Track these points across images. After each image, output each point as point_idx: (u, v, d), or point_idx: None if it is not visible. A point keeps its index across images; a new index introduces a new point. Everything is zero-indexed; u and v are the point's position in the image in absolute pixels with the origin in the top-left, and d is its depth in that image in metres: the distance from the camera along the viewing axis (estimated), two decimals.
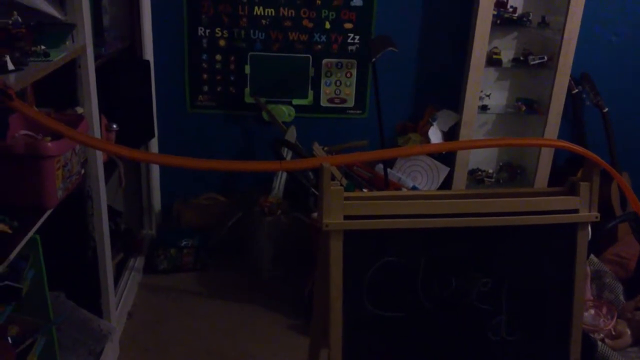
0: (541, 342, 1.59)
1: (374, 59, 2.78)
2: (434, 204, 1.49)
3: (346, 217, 1.47)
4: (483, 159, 3.37)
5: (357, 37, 3.07)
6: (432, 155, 3.19)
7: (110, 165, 2.39)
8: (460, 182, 3.20)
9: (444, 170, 3.19)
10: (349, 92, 3.18)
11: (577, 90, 3.07)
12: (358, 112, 3.22)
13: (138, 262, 2.91)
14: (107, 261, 2.19)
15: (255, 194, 3.05)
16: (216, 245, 3.12)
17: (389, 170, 3.14)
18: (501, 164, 3.37)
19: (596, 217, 1.50)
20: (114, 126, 2.28)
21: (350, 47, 3.09)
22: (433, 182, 3.24)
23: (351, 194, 1.53)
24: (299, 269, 2.92)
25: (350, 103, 3.20)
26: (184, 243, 2.98)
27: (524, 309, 1.58)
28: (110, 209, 2.44)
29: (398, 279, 1.53)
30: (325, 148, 3.01)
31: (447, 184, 3.22)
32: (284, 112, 3.09)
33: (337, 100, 3.18)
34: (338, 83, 3.15)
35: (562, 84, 2.98)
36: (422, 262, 1.52)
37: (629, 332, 2.46)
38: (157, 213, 3.26)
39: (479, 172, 3.34)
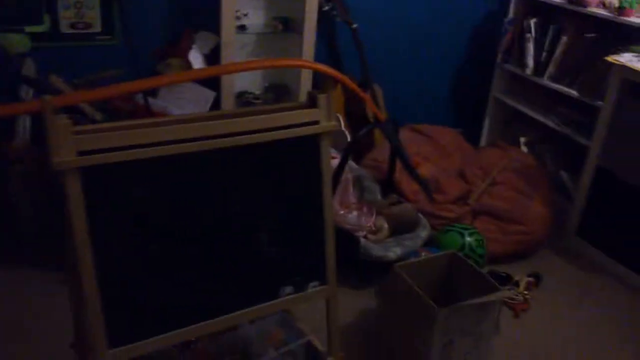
0: (300, 249, 1.67)
1: None
2: (176, 129, 1.42)
3: (81, 153, 1.34)
4: (249, 81, 3.36)
5: None
6: (197, 80, 3.09)
7: None
8: (228, 106, 3.16)
9: (210, 95, 3.11)
10: (94, 16, 2.85)
11: (327, 8, 3.17)
12: (107, 37, 2.93)
13: None
14: None
15: None
16: None
17: (152, 100, 2.98)
18: (266, 85, 3.41)
19: (334, 126, 1.57)
20: None
21: None
22: (201, 108, 3.16)
23: (84, 127, 1.38)
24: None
25: (97, 28, 2.88)
26: None
27: (282, 221, 1.63)
28: None
29: (152, 210, 1.46)
30: (75, 80, 2.72)
31: (216, 108, 3.16)
32: (17, 41, 2.68)
33: (80, 25, 2.84)
34: (78, 5, 2.79)
35: (313, 1, 3.04)
36: (174, 189, 1.47)
37: (386, 225, 2.75)
38: None
39: (247, 95, 3.34)
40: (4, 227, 2.68)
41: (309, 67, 1.56)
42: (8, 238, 2.64)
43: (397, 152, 2.49)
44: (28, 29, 2.72)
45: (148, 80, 1.46)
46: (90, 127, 1.42)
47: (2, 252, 2.57)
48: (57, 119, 1.29)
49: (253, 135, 1.47)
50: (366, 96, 1.65)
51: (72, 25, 2.83)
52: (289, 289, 1.62)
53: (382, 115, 1.80)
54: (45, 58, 2.72)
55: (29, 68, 2.57)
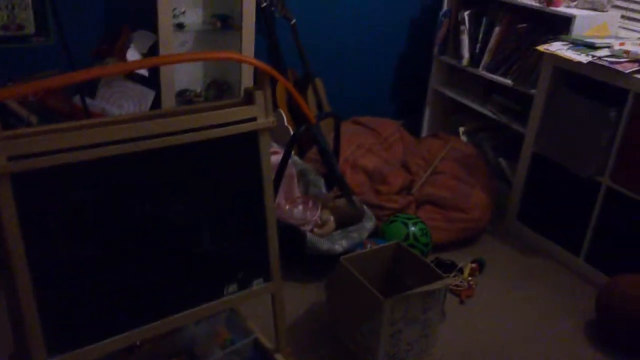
0: (243, 246, 1.67)
1: None
2: (113, 130, 1.40)
3: (13, 158, 1.31)
4: (190, 79, 3.33)
5: None
6: (135, 79, 3.03)
7: None
8: (169, 104, 3.12)
9: (150, 94, 3.06)
10: (26, 17, 2.76)
11: (265, 4, 3.16)
12: (42, 39, 2.84)
13: None
14: None
15: None
16: None
17: (90, 100, 2.91)
18: (208, 81, 3.38)
19: (272, 122, 1.58)
20: None
21: None
22: (141, 108, 3.10)
23: (16, 132, 1.35)
24: None
25: (31, 29, 2.79)
26: None
27: (223, 219, 1.63)
28: None
29: (91, 213, 1.43)
30: (9, 84, 2.62)
31: (156, 107, 3.11)
32: None
33: (13, 27, 2.75)
34: (10, 7, 2.70)
35: None
36: (113, 193, 1.45)
37: (332, 218, 2.77)
38: None
39: (188, 93, 3.31)
40: None
41: (242, 61, 1.55)
42: None
43: (322, 154, 2.49)
44: None
45: (79, 73, 1.38)
46: (21, 131, 1.38)
47: None
48: None
49: (190, 134, 1.47)
50: (297, 94, 1.66)
51: (5, 28, 2.72)
52: (233, 287, 1.63)
53: (313, 118, 1.83)
54: None
55: None
